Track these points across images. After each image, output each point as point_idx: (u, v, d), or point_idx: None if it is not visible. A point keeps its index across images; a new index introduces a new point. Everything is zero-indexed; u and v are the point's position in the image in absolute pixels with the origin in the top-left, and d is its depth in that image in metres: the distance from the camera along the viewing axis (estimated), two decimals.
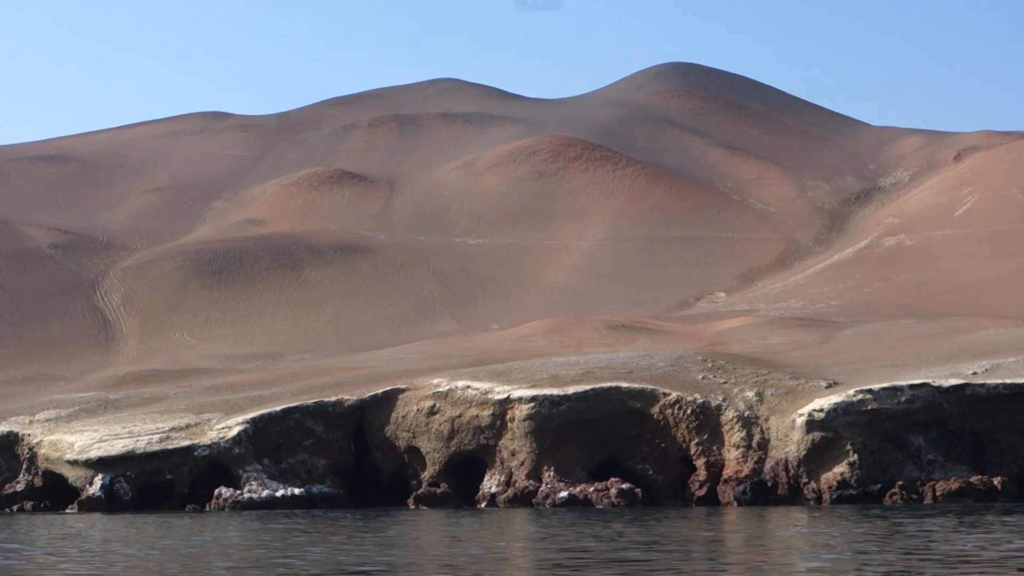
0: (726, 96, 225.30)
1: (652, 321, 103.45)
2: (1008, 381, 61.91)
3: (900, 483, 57.99)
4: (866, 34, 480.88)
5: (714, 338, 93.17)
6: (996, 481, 58.63)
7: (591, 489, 60.05)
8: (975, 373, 63.09)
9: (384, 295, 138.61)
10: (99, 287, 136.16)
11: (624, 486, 59.73)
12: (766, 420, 62.23)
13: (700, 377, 65.90)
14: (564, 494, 59.39)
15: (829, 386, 63.72)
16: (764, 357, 75.81)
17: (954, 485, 58.27)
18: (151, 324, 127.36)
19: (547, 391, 63.66)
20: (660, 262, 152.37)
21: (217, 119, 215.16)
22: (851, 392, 61.14)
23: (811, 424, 60.01)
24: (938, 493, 58.01)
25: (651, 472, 63.05)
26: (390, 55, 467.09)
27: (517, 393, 63.85)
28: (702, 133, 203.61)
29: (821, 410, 60.29)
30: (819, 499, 58.61)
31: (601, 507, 58.46)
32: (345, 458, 67.10)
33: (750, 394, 63.64)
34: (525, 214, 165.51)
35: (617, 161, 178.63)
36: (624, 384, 64.41)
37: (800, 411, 60.81)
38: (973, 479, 58.71)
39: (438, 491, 63.91)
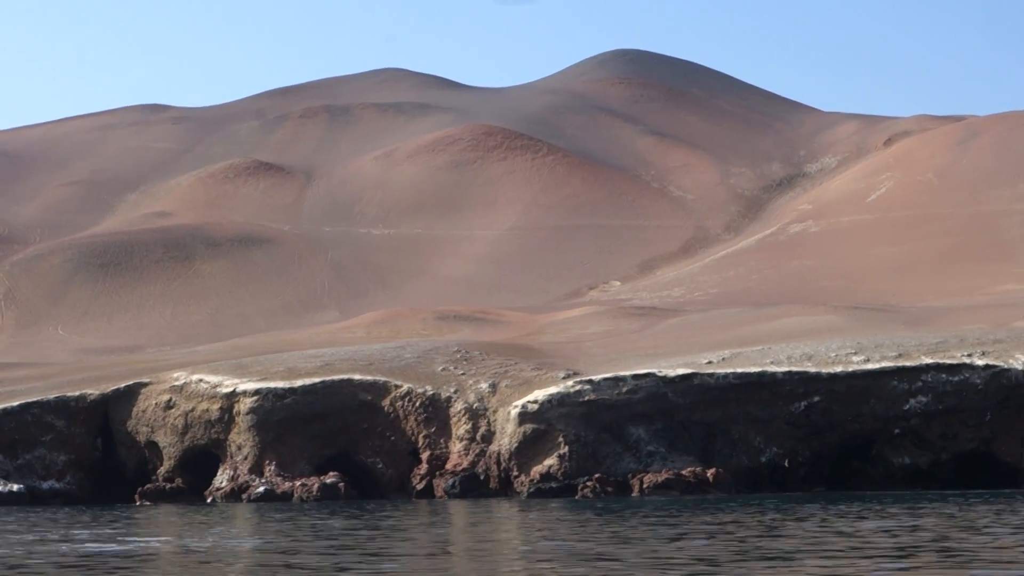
0: (668, 83, 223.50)
1: (494, 311, 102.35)
2: (739, 370, 60.64)
3: (597, 476, 56.72)
4: (819, 16, 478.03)
5: (538, 328, 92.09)
6: (709, 473, 57.40)
7: (298, 483, 59.13)
8: (709, 362, 61.87)
9: (273, 287, 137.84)
10: None
11: (329, 480, 58.76)
12: (494, 412, 61.10)
13: (440, 369, 64.79)
14: (260, 489, 58.48)
15: (567, 376, 62.52)
16: (547, 348, 74.64)
17: (661, 477, 57.06)
18: (28, 318, 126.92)
19: (273, 384, 62.69)
20: (564, 251, 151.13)
21: (153, 112, 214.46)
22: (570, 383, 59.97)
23: (524, 416, 58.86)
24: (645, 485, 56.75)
25: (380, 466, 62.09)
26: (335, 45, 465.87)
27: (242, 387, 62.92)
28: (636, 121, 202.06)
29: (535, 401, 59.14)
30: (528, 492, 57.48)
31: (296, 502, 57.49)
32: (90, 453, 66.25)
33: (484, 386, 62.48)
34: (436, 204, 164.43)
35: (538, 150, 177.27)
36: (357, 376, 63.34)
37: (516, 403, 59.70)
38: (685, 471, 57.48)
39: (168, 487, 63.05)
